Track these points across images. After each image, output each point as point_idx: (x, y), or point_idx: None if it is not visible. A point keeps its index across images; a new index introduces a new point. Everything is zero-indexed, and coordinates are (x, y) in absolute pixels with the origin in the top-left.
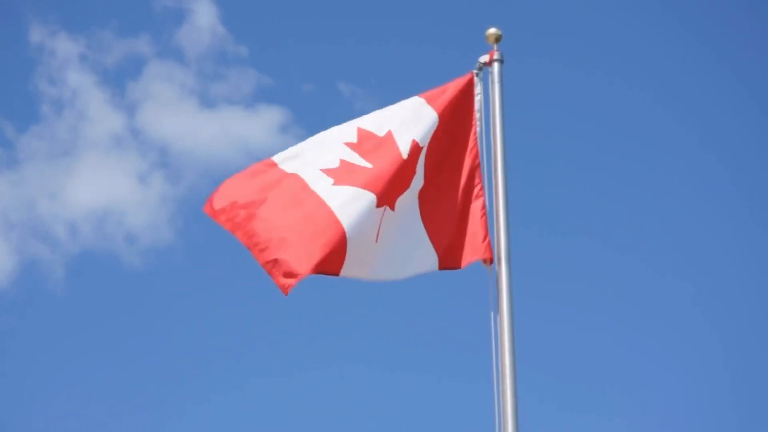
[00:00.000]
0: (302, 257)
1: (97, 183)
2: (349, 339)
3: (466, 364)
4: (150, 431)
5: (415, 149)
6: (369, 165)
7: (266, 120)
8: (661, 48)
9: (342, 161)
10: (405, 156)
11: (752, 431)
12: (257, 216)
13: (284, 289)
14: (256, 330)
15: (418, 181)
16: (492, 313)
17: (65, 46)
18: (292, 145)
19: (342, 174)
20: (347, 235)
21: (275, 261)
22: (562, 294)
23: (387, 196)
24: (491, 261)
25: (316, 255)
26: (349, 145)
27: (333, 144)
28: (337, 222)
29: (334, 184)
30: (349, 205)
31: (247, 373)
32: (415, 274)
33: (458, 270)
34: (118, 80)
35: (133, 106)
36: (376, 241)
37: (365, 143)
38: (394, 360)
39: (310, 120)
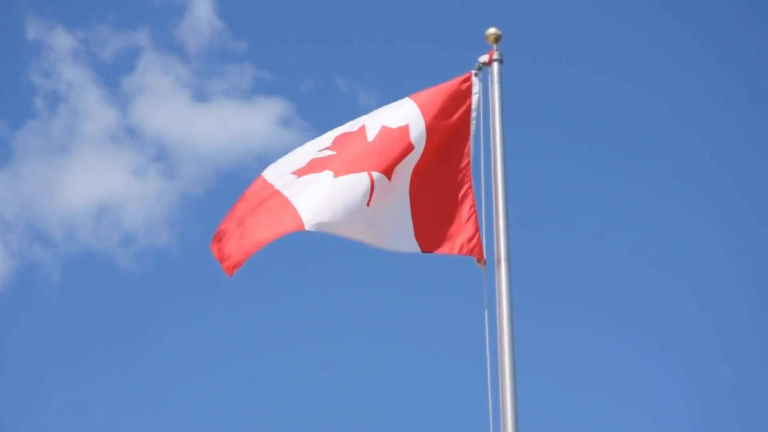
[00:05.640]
0: (251, 239)
1: (94, 179)
2: (348, 339)
3: (465, 364)
4: None
5: (385, 132)
6: (333, 152)
7: (266, 114)
8: (662, 48)
9: (311, 160)
10: (370, 139)
11: (752, 431)
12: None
13: (228, 271)
14: (255, 330)
15: (408, 160)
16: (486, 313)
17: (62, 41)
18: (292, 139)
19: (306, 168)
20: (295, 204)
21: (225, 247)
22: (562, 294)
23: (359, 166)
24: (483, 261)
25: (261, 237)
26: (323, 149)
27: (309, 150)
28: (288, 202)
29: (297, 177)
30: (304, 188)
31: (245, 373)
32: (391, 249)
33: (458, 270)
34: (115, 74)
35: (130, 100)
36: (368, 204)
37: (337, 142)
38: (394, 360)
39: (311, 114)
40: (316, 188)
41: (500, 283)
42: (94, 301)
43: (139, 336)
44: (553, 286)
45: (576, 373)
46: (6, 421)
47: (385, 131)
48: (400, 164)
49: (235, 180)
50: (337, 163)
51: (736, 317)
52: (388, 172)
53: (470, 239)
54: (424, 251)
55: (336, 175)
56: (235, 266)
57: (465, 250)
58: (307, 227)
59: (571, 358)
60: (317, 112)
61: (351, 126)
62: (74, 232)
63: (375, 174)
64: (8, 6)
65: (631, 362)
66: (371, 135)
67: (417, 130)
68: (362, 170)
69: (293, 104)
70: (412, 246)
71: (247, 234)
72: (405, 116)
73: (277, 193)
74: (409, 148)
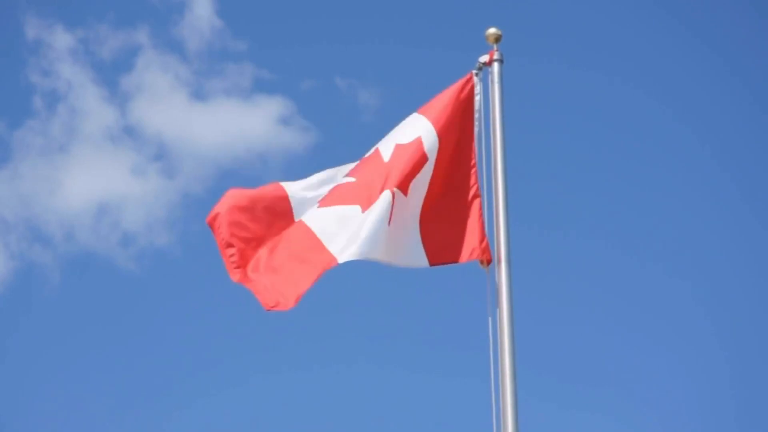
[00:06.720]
0: (290, 288)
1: (94, 179)
2: (349, 339)
3: (466, 364)
4: None
5: (399, 149)
6: (353, 179)
7: (266, 112)
8: (661, 48)
9: (334, 187)
10: (386, 159)
11: (752, 431)
12: (259, 254)
13: (267, 307)
14: (255, 330)
15: (424, 171)
16: (489, 314)
17: (61, 40)
18: (292, 138)
19: (329, 198)
20: (328, 247)
21: (261, 282)
22: (562, 294)
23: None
24: (489, 262)
25: (302, 284)
26: (345, 176)
27: (329, 177)
28: (321, 244)
29: (319, 207)
30: (334, 225)
31: (245, 373)
32: (403, 266)
33: (459, 271)
34: (114, 73)
35: (130, 99)
36: (389, 223)
37: (356, 169)
38: (394, 360)
39: (311, 113)
40: (348, 227)
41: (500, 283)
42: (93, 302)
43: (139, 336)
44: (553, 286)
45: (576, 373)
46: (6, 421)
47: (399, 149)
48: (416, 178)
49: (236, 179)
50: (361, 194)
51: (736, 317)
52: (404, 187)
53: (479, 243)
54: (432, 264)
55: (364, 209)
56: (277, 306)
57: (475, 255)
58: (340, 261)
59: (571, 358)
60: (317, 111)
61: (367, 153)
62: (74, 232)
63: (395, 190)
64: (7, 5)
65: (631, 362)
66: (386, 155)
67: (429, 141)
68: (383, 190)
69: (293, 103)
70: (421, 260)
71: (285, 277)
72: (416, 130)
73: (301, 224)
74: (424, 159)
